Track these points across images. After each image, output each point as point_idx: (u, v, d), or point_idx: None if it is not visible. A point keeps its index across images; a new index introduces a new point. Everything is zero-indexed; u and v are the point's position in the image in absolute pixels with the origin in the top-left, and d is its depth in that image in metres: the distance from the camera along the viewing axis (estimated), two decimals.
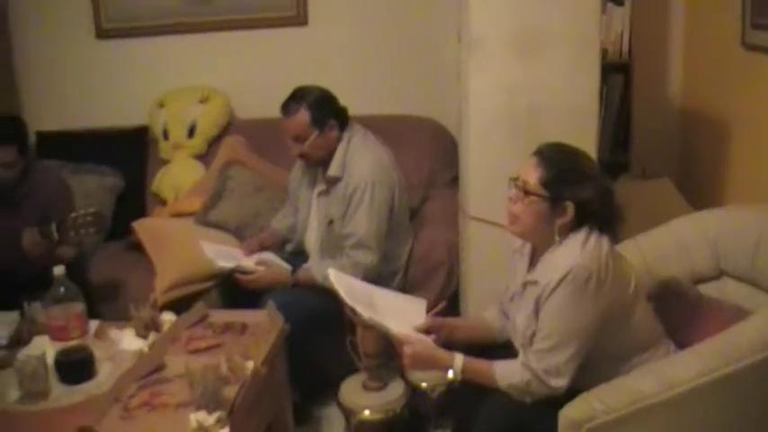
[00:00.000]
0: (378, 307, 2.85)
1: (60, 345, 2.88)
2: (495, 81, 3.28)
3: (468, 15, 3.30)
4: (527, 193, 2.49)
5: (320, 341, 3.38)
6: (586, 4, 3.21)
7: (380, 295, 3.00)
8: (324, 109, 3.46)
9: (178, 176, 4.54)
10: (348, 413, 3.29)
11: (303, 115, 3.42)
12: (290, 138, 3.47)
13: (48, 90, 5.06)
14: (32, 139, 4.74)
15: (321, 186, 3.57)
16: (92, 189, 4.44)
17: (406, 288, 3.61)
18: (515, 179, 2.54)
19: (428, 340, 2.71)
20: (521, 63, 3.26)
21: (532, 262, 2.65)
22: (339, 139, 3.49)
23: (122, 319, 3.19)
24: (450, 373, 2.60)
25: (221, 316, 3.17)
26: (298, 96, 3.47)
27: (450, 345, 2.72)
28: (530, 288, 2.58)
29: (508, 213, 2.58)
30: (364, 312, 2.75)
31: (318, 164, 3.55)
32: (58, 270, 2.87)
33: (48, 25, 4.98)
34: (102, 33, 4.92)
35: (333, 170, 3.47)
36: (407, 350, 2.64)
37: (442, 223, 3.91)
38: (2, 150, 3.53)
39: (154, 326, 3.02)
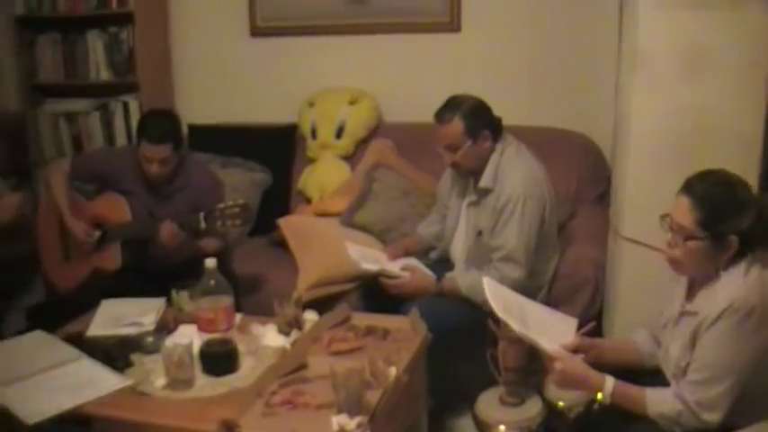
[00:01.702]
0: (529, 321, 2.80)
1: (206, 336, 2.93)
2: (660, 101, 3.19)
3: (634, 32, 3.21)
4: (686, 238, 2.41)
5: (460, 352, 3.33)
6: (757, 25, 3.08)
7: (533, 310, 2.94)
8: (478, 119, 3.41)
9: (324, 176, 4.56)
10: (483, 426, 3.23)
11: (457, 124, 3.38)
12: (442, 146, 3.44)
13: (201, 85, 5.21)
14: (184, 131, 4.88)
15: (471, 197, 3.52)
16: (240, 183, 4.51)
17: (549, 304, 3.53)
18: (666, 218, 2.46)
19: (579, 359, 2.64)
20: (686, 83, 3.15)
21: (690, 291, 2.55)
22: (492, 150, 3.43)
23: (263, 313, 3.23)
24: (600, 395, 2.53)
25: (363, 319, 3.17)
26: (452, 105, 3.43)
27: (597, 366, 2.65)
28: (687, 318, 2.49)
29: (667, 257, 2.50)
30: (515, 326, 2.70)
31: (470, 174, 3.50)
32: (210, 263, 2.91)
33: (205, 22, 5.13)
34: (256, 31, 5.02)
35: (484, 181, 3.42)
36: (558, 366, 2.58)
37: (589, 240, 3.82)
38: (158, 148, 3.62)
39: (297, 324, 3.03)
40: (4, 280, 4.63)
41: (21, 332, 4.03)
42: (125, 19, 4.91)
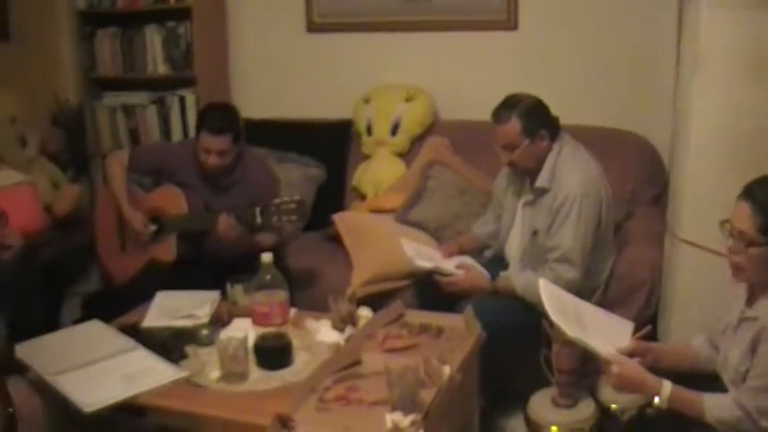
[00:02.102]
0: (584, 323, 2.78)
1: (261, 330, 2.94)
2: (720, 103, 3.13)
3: (695, 33, 3.17)
4: (747, 244, 2.37)
5: (513, 352, 3.32)
6: None
7: (588, 312, 2.92)
8: (535, 118, 3.38)
9: (379, 172, 4.56)
10: (535, 427, 3.21)
11: (514, 124, 3.35)
12: (499, 145, 3.41)
13: (257, 79, 5.24)
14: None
15: (528, 196, 3.50)
16: (295, 178, 4.53)
17: (604, 306, 3.49)
18: (726, 224, 2.44)
19: (636, 363, 2.62)
20: (748, 84, 3.09)
21: (750, 297, 2.51)
22: (549, 150, 3.40)
23: (316, 308, 3.24)
24: (657, 400, 2.50)
25: (417, 316, 3.16)
26: (509, 104, 3.41)
27: (653, 370, 2.62)
28: (747, 324, 2.45)
29: (730, 263, 2.47)
30: (569, 331, 2.68)
31: (526, 173, 3.48)
32: (266, 257, 2.93)
33: (262, 18, 5.16)
34: (313, 27, 5.04)
35: (541, 181, 3.40)
36: (615, 370, 2.56)
37: (645, 242, 3.78)
38: (218, 139, 3.66)
39: (351, 320, 3.04)
40: (62, 269, 4.70)
41: (76, 320, 4.13)
42: (183, 14, 4.96)
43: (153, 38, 5.08)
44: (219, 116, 3.72)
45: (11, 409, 2.40)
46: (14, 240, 2.85)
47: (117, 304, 3.48)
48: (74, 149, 5.39)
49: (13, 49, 5.13)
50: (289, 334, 2.90)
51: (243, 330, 2.81)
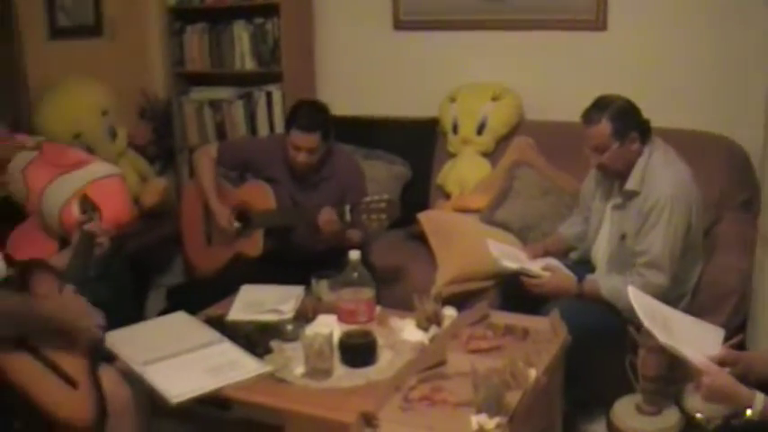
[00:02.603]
0: (673, 330, 2.72)
1: (346, 327, 2.95)
2: None
3: None
4: None
5: (598, 356, 3.27)
6: None
7: (677, 319, 2.86)
8: (626, 121, 3.33)
9: (464, 172, 4.54)
10: None
11: (604, 126, 3.31)
12: (588, 147, 3.37)
13: (343, 76, 5.27)
14: None
15: (617, 199, 3.45)
16: (381, 176, 4.54)
17: (692, 313, 3.42)
18: None
19: (727, 374, 2.56)
20: None
21: None
22: (639, 153, 3.34)
23: (399, 306, 3.24)
24: (749, 412, 2.44)
25: (502, 318, 3.14)
26: (600, 106, 3.36)
27: (742, 380, 2.56)
28: None
29: None
30: (661, 337, 2.63)
31: (616, 176, 3.42)
32: (354, 255, 2.93)
33: (348, 15, 5.18)
34: (399, 25, 5.03)
35: (631, 184, 3.34)
36: (707, 381, 2.50)
37: (735, 248, 3.70)
38: (307, 136, 3.68)
39: (436, 319, 3.03)
40: (148, 260, 4.79)
41: (161, 311, 4.21)
42: (271, 10, 5.00)
43: (241, 34, 5.13)
44: (310, 113, 3.74)
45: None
46: (105, 237, 2.89)
47: (201, 296, 3.53)
48: (160, 143, 5.48)
49: (106, 45, 5.25)
50: (374, 332, 2.90)
51: (328, 327, 2.82)
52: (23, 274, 2.57)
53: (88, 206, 2.96)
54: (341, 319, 2.98)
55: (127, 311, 3.82)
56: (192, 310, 3.31)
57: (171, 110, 5.46)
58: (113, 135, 4.80)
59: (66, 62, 4.90)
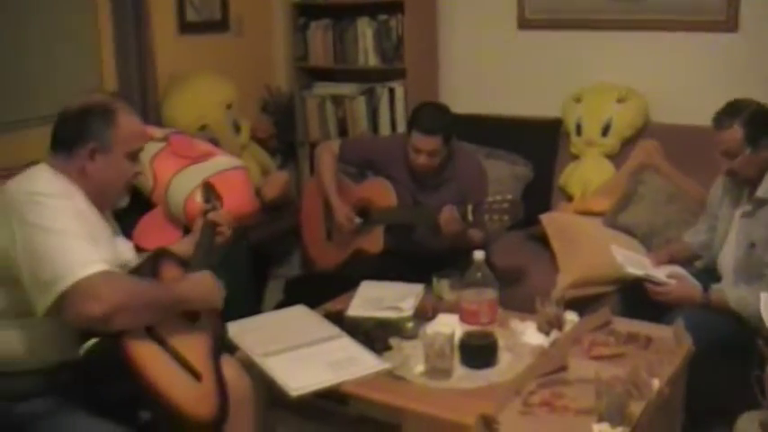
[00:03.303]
0: None
1: (467, 327, 2.94)
2: None
3: None
4: None
5: (722, 369, 3.17)
6: None
7: None
8: (759, 126, 3.22)
9: (587, 174, 4.47)
10: None
11: (736, 131, 3.20)
12: (718, 152, 3.28)
13: (466, 74, 5.25)
14: None
15: (746, 207, 3.33)
16: (502, 176, 4.51)
17: None
18: None
19: None
20: None
21: None
22: None
23: (518, 308, 3.20)
24: None
25: (624, 324, 3.07)
26: (731, 110, 3.26)
27: None
28: None
29: None
30: None
31: (746, 183, 3.32)
32: (479, 255, 2.91)
33: (473, 13, 5.16)
34: (524, 24, 4.98)
35: (762, 191, 3.23)
36: None
37: None
38: (428, 139, 3.67)
39: (557, 323, 2.99)
40: (268, 252, 4.85)
41: (278, 303, 4.26)
42: (395, 7, 5.01)
43: (365, 30, 5.16)
44: (432, 116, 3.72)
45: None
46: (227, 227, 2.94)
47: (319, 290, 3.55)
48: (282, 137, 5.56)
49: (231, 40, 5.35)
50: (495, 333, 2.87)
51: (449, 326, 2.81)
52: (154, 262, 2.62)
53: (211, 194, 3.01)
54: (463, 319, 2.96)
55: (244, 302, 3.92)
56: (310, 304, 3.34)
57: (293, 104, 5.52)
58: (237, 128, 4.89)
59: (193, 56, 5.03)
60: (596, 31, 4.76)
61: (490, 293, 2.96)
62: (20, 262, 2.26)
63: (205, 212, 2.94)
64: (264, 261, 4.84)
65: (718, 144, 3.28)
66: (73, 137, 2.47)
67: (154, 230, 4.01)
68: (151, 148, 4.17)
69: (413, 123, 3.73)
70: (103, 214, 2.59)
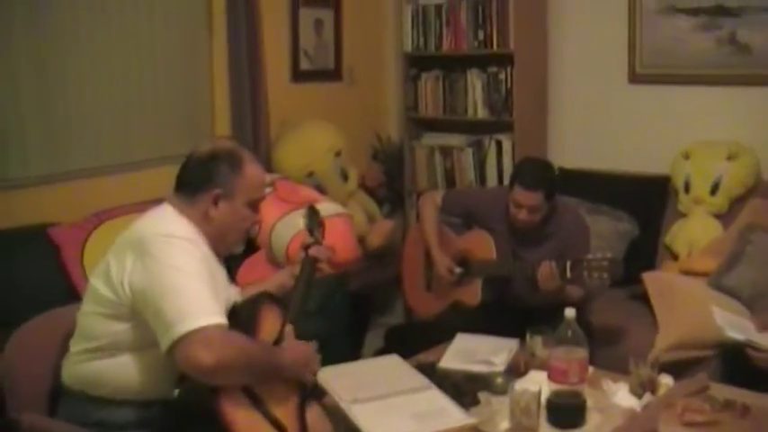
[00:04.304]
0: None
1: (555, 386, 2.89)
2: None
3: None
4: None
5: None
6: None
7: None
8: None
9: (694, 232, 4.37)
10: None
11: None
12: None
13: (575, 128, 5.22)
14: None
15: None
16: (605, 232, 4.44)
17: None
18: None
19: None
20: None
21: None
22: None
23: (614, 367, 3.13)
24: None
25: (722, 391, 2.96)
26: None
27: None
28: None
29: None
30: None
31: None
32: (570, 312, 2.87)
33: (583, 66, 5.15)
34: (635, 78, 4.94)
35: None
36: None
37: None
38: (530, 194, 3.64)
39: (650, 386, 2.91)
40: (370, 299, 4.88)
41: (378, 350, 4.28)
42: (505, 59, 5.03)
43: (474, 81, 5.19)
44: (535, 171, 3.70)
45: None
46: (327, 262, 2.96)
47: (418, 340, 3.55)
48: (391, 186, 5.61)
49: (344, 89, 5.47)
50: (584, 393, 2.81)
51: (538, 384, 2.77)
52: (254, 306, 2.65)
53: (315, 222, 3.02)
54: (551, 377, 2.90)
55: (343, 347, 3.93)
56: (409, 353, 3.34)
57: (403, 154, 5.58)
58: (345, 176, 4.95)
59: (306, 104, 5.16)
60: (707, 86, 4.69)
61: (580, 352, 2.89)
62: (147, 297, 2.33)
63: (306, 247, 2.94)
64: (366, 308, 4.87)
65: None
66: (199, 181, 2.53)
67: (256, 274, 4.06)
68: None
69: (515, 178, 3.71)
70: (219, 259, 2.65)
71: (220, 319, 2.32)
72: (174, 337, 2.26)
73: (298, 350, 2.59)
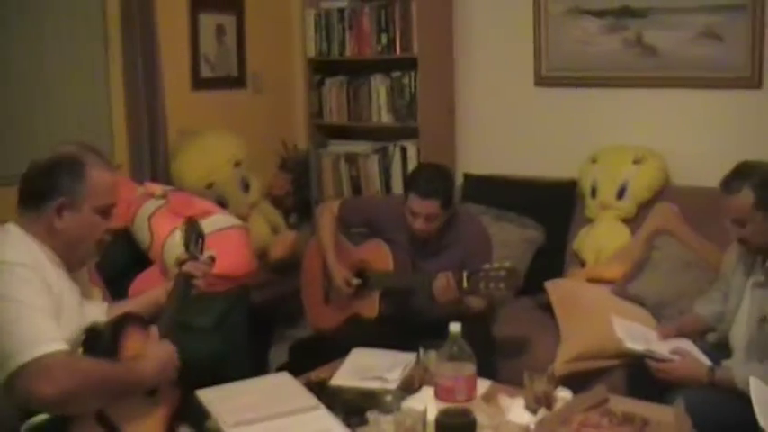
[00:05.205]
0: None
1: (443, 404, 2.74)
2: None
3: None
4: None
5: None
6: None
7: None
8: None
9: (601, 238, 4.27)
10: None
11: (746, 196, 2.98)
12: (728, 219, 3.07)
13: (481, 133, 5.14)
14: (459, 180, 4.80)
15: (758, 277, 3.10)
16: (511, 239, 4.34)
17: None
18: None
19: None
20: None
21: None
22: None
23: (520, 381, 3.00)
24: None
25: (621, 404, 2.84)
26: (742, 173, 3.04)
27: None
28: None
29: None
30: None
31: (759, 251, 3.10)
32: (455, 327, 2.73)
33: (488, 70, 5.06)
34: (540, 81, 4.87)
35: None
36: None
37: None
38: (425, 203, 3.52)
39: (546, 401, 2.78)
40: (273, 312, 4.74)
41: (281, 365, 4.13)
42: (409, 64, 4.92)
43: (378, 87, 5.09)
44: (430, 179, 3.57)
45: None
46: (203, 279, 2.81)
47: (321, 354, 3.42)
48: (299, 195, 5.47)
49: (249, 96, 5.33)
50: (475, 410, 2.66)
51: (424, 402, 2.63)
52: (115, 329, 2.49)
53: (192, 237, 2.88)
54: (438, 395, 2.76)
55: (243, 364, 3.79)
56: (314, 366, 3.23)
57: (309, 162, 5.43)
58: (246, 186, 4.80)
59: (208, 112, 5.01)
60: (614, 89, 4.63)
61: (468, 369, 2.75)
62: None
63: (181, 263, 2.80)
64: (270, 322, 4.71)
65: (727, 210, 3.07)
66: (40, 192, 2.39)
67: (150, 287, 3.91)
68: (150, 206, 4.19)
69: (410, 186, 3.59)
70: (74, 274, 2.51)
71: (58, 345, 2.18)
72: (9, 371, 2.12)
73: (160, 354, 2.45)
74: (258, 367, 4.11)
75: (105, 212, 2.47)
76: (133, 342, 2.47)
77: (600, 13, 4.60)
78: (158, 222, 4.09)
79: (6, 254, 2.27)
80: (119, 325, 2.49)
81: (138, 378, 2.35)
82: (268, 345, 4.68)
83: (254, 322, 4.20)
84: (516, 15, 4.85)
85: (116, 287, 3.83)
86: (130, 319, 2.55)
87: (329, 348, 3.51)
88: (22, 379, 2.11)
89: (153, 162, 4.68)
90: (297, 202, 5.47)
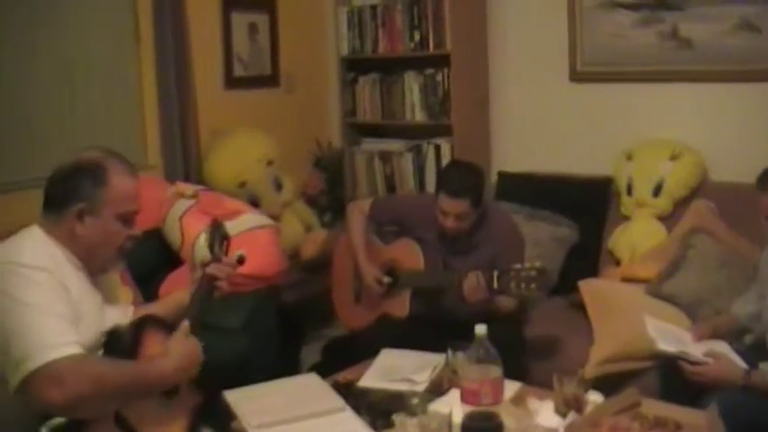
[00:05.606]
0: None
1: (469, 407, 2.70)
2: None
3: None
4: None
5: None
6: None
7: None
8: None
9: (637, 236, 4.18)
10: None
11: None
12: (764, 216, 2.99)
13: (516, 130, 5.08)
14: (493, 178, 4.75)
15: None
16: (544, 238, 4.28)
17: None
18: None
19: None
20: None
21: None
22: None
23: (552, 383, 2.94)
24: None
25: (654, 407, 2.76)
26: None
27: None
28: None
29: None
30: None
31: None
32: (480, 330, 2.68)
33: (523, 66, 5.00)
34: (575, 77, 4.78)
35: None
36: None
37: None
38: (455, 202, 3.48)
39: (575, 404, 2.72)
40: (305, 312, 4.72)
41: (313, 365, 4.11)
42: (442, 61, 4.87)
43: (411, 85, 5.05)
44: (460, 178, 3.53)
45: None
46: (226, 282, 2.79)
47: (356, 352, 3.39)
48: (332, 193, 5.45)
49: (282, 95, 5.33)
50: (503, 413, 2.61)
51: (450, 405, 2.59)
52: (136, 332, 2.48)
53: (216, 239, 2.83)
54: (464, 399, 2.72)
55: (272, 365, 3.78)
56: (348, 366, 3.21)
57: (343, 160, 5.41)
58: (279, 185, 4.79)
59: (241, 111, 5.02)
60: (650, 84, 4.53)
61: (494, 371, 2.70)
62: None
63: (205, 264, 2.77)
64: (302, 321, 4.69)
65: (763, 208, 2.99)
66: (62, 197, 2.39)
67: (181, 287, 3.93)
68: (181, 206, 4.20)
69: (440, 185, 3.55)
70: (97, 279, 2.50)
71: (71, 350, 2.15)
72: (21, 376, 2.11)
73: (182, 349, 2.40)
74: (289, 367, 4.11)
75: (127, 220, 2.46)
76: (153, 343, 2.46)
77: (634, 6, 4.51)
78: (189, 222, 4.11)
79: (24, 257, 2.26)
80: (139, 326, 2.49)
81: (157, 376, 2.32)
82: (300, 344, 4.66)
83: (285, 322, 4.19)
84: (550, 10, 4.77)
85: (148, 287, 3.86)
86: (150, 321, 2.55)
87: (362, 348, 3.48)
88: (34, 384, 2.11)
89: (185, 162, 4.70)
90: (331, 201, 5.46)
